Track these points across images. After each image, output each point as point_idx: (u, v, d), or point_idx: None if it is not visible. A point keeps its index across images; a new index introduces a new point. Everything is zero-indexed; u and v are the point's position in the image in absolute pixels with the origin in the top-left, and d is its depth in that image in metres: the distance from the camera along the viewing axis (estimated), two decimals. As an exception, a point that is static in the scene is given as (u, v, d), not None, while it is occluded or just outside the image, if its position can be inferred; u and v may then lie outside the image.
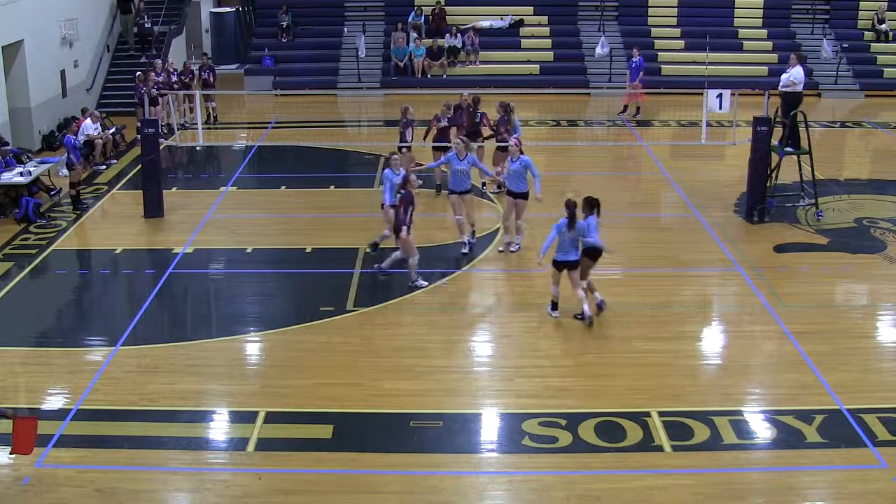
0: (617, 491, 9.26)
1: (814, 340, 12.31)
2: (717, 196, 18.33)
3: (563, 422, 10.40)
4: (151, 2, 29.22)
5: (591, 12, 31.31)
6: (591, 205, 12.82)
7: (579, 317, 12.74)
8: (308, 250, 15.61)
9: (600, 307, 13.01)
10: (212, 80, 25.22)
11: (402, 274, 14.13)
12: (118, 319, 13.26)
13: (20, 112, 21.45)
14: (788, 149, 17.31)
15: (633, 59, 25.56)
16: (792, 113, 17.24)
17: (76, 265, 15.67)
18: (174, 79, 24.11)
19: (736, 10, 31.10)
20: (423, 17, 30.30)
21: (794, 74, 17.37)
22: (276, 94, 27.15)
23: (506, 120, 17.66)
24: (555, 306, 13.01)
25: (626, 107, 25.44)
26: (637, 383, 11.28)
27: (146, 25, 27.34)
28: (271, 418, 10.55)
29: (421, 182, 14.94)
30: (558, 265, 12.74)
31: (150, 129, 17.29)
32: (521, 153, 15.09)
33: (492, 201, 17.90)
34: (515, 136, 16.51)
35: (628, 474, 9.53)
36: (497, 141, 17.77)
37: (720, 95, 17.92)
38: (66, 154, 17.93)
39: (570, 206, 12.60)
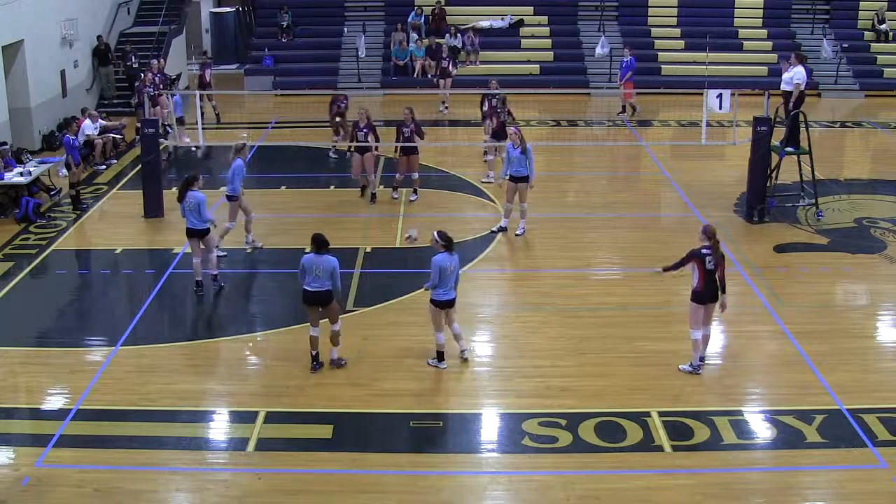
0: (617, 491, 9.26)
1: (814, 340, 12.31)
2: (717, 196, 18.32)
3: (563, 422, 10.40)
4: (152, 1, 29.21)
5: (591, 12, 31.30)
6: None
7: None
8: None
9: None
10: (208, 78, 25.06)
11: (402, 275, 14.11)
12: (118, 319, 13.25)
13: (20, 112, 21.44)
14: (789, 148, 17.31)
15: (625, 59, 25.60)
16: (793, 113, 17.24)
17: (76, 265, 15.66)
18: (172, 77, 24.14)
19: (736, 10, 31.10)
20: (423, 17, 30.28)
21: (797, 74, 17.38)
22: (276, 94, 27.13)
23: (412, 122, 18.00)
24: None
25: (624, 107, 25.46)
26: (637, 383, 11.27)
27: (133, 66, 25.99)
28: (271, 418, 10.54)
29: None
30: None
31: (150, 129, 17.29)
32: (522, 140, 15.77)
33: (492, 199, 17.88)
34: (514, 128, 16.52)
35: (628, 474, 9.52)
36: (403, 141, 17.87)
37: (720, 95, 17.89)
38: (66, 154, 17.92)
39: None
